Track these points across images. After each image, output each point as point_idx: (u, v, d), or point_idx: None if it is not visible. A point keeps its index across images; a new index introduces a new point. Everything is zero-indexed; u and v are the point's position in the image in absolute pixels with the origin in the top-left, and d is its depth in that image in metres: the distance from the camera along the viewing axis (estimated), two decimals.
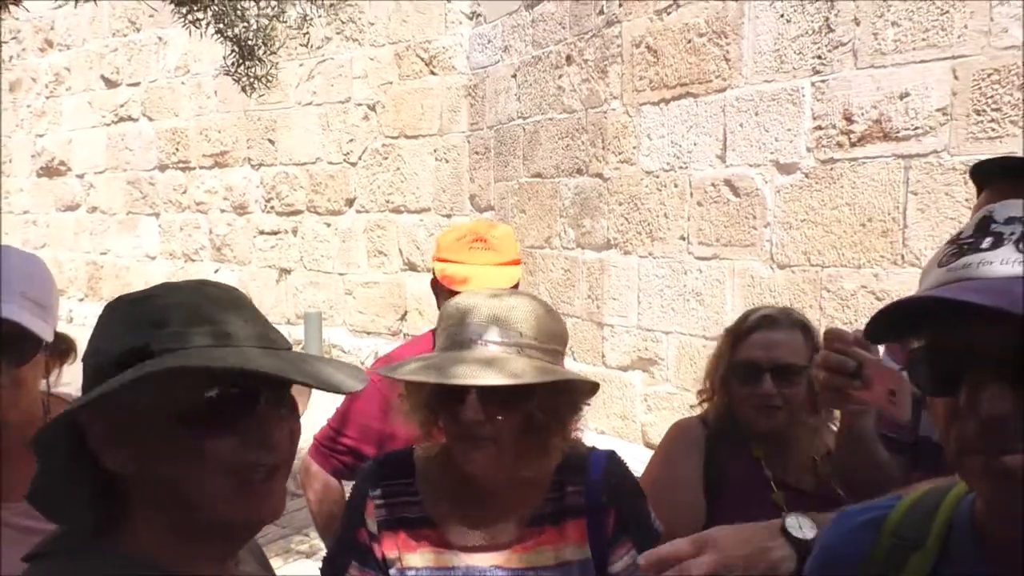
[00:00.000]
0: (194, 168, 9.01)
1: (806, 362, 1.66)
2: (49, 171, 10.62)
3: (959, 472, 0.79)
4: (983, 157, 3.26)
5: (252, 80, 3.74)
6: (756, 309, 1.83)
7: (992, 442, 0.72)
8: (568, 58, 5.22)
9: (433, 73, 6.85)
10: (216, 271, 8.94)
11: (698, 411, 1.89)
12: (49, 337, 1.36)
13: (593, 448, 1.42)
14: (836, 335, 1.22)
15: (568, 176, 5.24)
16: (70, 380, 1.48)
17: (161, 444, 0.82)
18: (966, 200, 3.31)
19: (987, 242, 0.75)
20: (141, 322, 0.83)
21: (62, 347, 1.46)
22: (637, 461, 2.53)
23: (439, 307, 1.77)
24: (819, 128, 3.84)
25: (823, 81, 3.82)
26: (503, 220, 5.75)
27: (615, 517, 1.33)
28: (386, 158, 7.26)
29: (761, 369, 1.69)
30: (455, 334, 1.27)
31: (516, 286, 1.95)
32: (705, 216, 4.34)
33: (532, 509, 1.34)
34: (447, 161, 6.81)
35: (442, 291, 1.92)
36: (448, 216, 6.79)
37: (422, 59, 6.93)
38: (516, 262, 2.00)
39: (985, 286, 0.71)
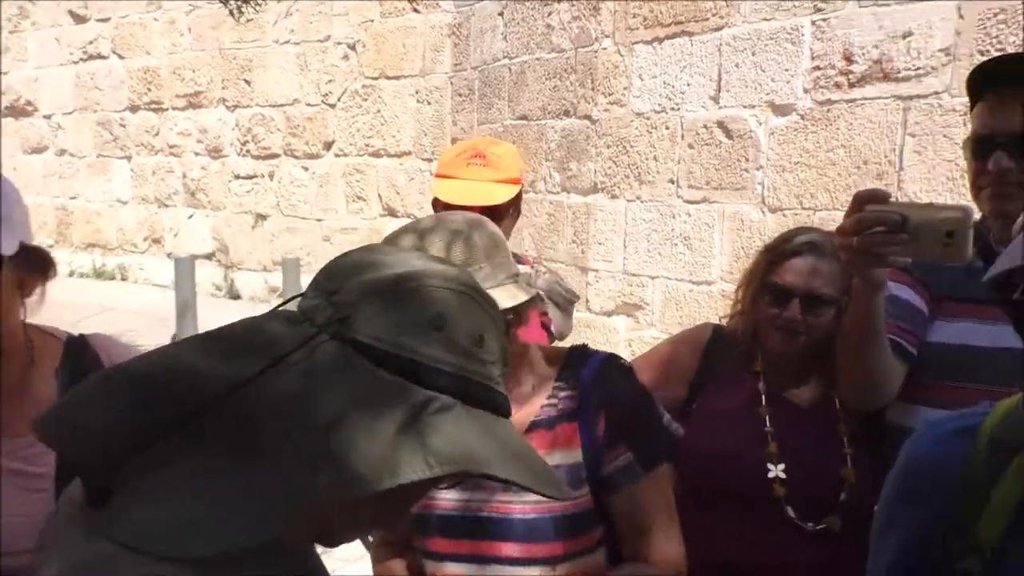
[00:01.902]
0: (167, 109, 8.74)
1: (838, 294, 1.62)
2: (15, 111, 10.26)
3: None
4: None
5: (240, 4, 3.56)
6: (801, 231, 1.79)
7: None
8: None
9: (416, 11, 6.63)
10: (190, 216, 8.74)
11: None
12: (9, 250, 1.18)
13: (595, 352, 1.39)
14: (871, 194, 1.21)
15: (555, 118, 5.11)
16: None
17: None
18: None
19: None
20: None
21: (34, 262, 1.25)
22: None
23: None
24: (818, 68, 3.74)
25: (824, 20, 3.71)
26: None
27: (606, 420, 1.31)
28: (366, 100, 7.07)
29: (792, 295, 1.66)
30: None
31: (513, 204, 1.97)
32: (696, 159, 4.24)
33: (532, 416, 1.33)
34: (429, 103, 6.63)
35: (438, 208, 1.88)
36: (429, 160, 6.63)
37: None
38: (516, 181, 1.96)
39: None
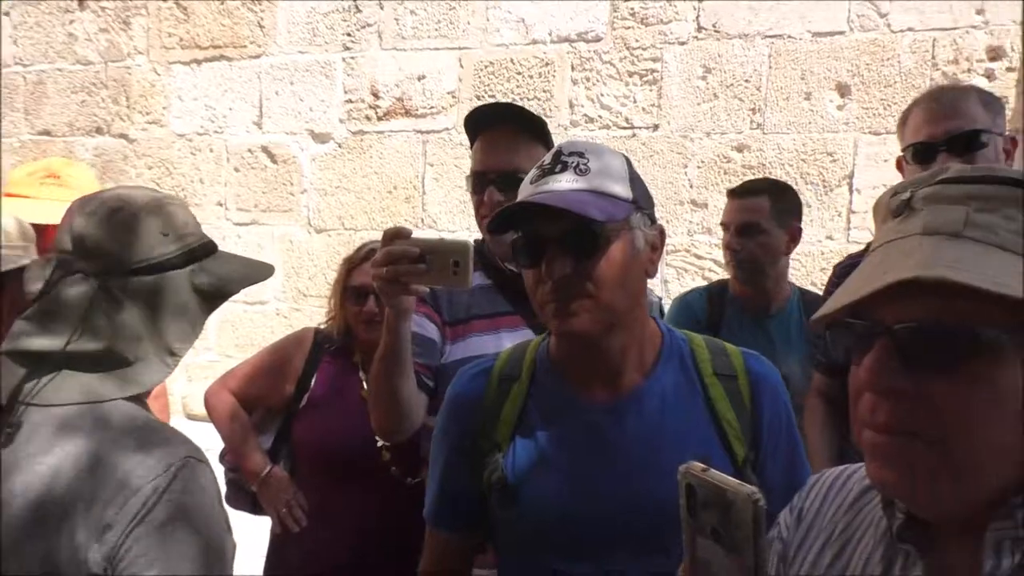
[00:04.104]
0: None
1: None
2: None
3: (541, 315, 1.20)
4: None
5: None
6: (369, 243, 2.14)
7: (559, 294, 1.15)
8: (81, 2, 4.71)
9: None
10: None
11: None
12: None
13: None
14: (397, 231, 1.36)
15: (86, 135, 4.75)
16: None
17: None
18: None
19: (558, 168, 1.17)
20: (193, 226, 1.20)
21: None
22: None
23: None
24: (350, 101, 4.11)
25: (353, 57, 4.10)
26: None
27: None
28: None
29: (368, 292, 2.00)
30: None
31: None
32: (243, 182, 4.33)
33: None
34: None
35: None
36: None
37: None
38: None
39: (555, 196, 1.14)
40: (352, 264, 2.11)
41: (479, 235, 1.82)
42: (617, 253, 1.15)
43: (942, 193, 0.71)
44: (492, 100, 3.89)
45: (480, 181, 1.74)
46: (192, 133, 4.43)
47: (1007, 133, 1.79)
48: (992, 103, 1.77)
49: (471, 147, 1.82)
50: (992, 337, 0.64)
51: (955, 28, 3.20)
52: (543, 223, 1.14)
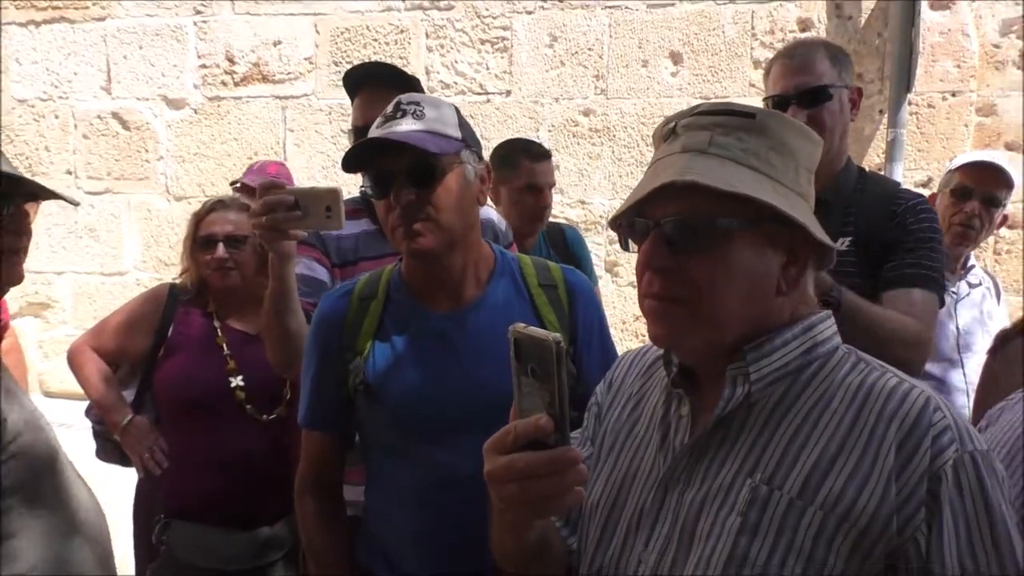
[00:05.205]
0: None
1: (248, 233, 2.13)
2: None
3: (392, 239, 1.38)
4: (342, 101, 3.94)
5: None
6: (213, 198, 2.28)
7: (405, 218, 1.35)
8: None
9: None
10: None
11: None
12: None
13: None
14: (271, 183, 1.53)
15: None
16: None
17: None
18: (332, 137, 3.96)
19: (399, 114, 1.38)
20: None
21: None
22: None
23: None
24: (204, 67, 4.07)
25: (204, 22, 4.05)
26: None
27: None
28: None
29: (216, 240, 2.13)
30: None
31: None
32: (94, 150, 4.21)
33: None
34: None
35: None
36: None
37: None
38: None
39: (397, 135, 1.35)
40: (199, 217, 2.23)
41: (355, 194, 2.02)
42: (452, 182, 1.37)
43: (696, 122, 0.93)
44: (348, 65, 3.96)
45: (360, 134, 1.91)
46: (34, 98, 4.25)
47: (852, 84, 2.05)
48: (839, 57, 1.98)
49: (351, 103, 2.03)
50: (727, 225, 0.87)
51: (771, 1, 3.54)
52: (389, 160, 1.35)
